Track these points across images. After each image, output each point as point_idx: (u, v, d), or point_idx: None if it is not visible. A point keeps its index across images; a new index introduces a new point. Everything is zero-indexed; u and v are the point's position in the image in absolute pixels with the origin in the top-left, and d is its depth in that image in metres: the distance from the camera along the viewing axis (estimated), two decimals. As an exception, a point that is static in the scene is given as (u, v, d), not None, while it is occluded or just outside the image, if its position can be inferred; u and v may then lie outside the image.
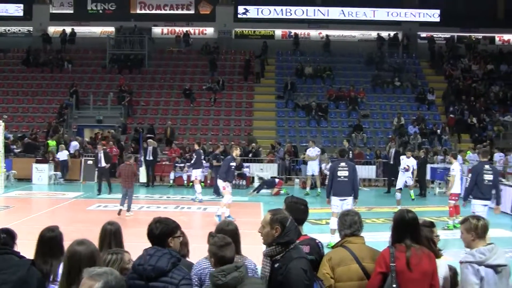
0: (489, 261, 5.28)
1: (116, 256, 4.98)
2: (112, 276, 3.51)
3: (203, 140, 31.01)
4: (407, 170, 20.20)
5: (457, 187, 16.65)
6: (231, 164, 17.12)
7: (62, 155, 27.00)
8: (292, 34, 41.66)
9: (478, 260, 5.29)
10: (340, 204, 13.50)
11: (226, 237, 4.93)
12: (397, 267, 5.03)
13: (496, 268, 5.28)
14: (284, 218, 5.01)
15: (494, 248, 5.39)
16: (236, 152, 17.76)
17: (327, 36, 40.55)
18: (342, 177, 13.57)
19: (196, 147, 23.27)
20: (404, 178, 20.38)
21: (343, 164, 13.82)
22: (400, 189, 19.95)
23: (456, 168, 16.73)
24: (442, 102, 36.05)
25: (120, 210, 17.79)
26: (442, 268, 5.43)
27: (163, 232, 4.88)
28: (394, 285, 4.98)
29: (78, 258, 4.27)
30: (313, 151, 24.78)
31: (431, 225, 5.69)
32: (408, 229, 5.22)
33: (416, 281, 5.03)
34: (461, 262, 5.44)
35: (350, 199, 13.59)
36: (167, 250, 4.73)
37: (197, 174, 22.01)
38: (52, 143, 29.21)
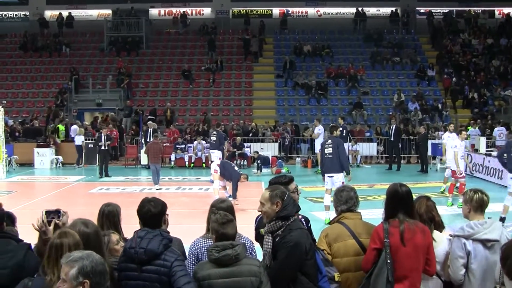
0: (477, 236, 5.25)
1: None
2: (87, 261, 3.52)
3: (203, 120, 31.03)
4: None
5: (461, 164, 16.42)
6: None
7: (78, 139, 26.99)
8: (290, 12, 41.46)
9: (466, 234, 5.28)
10: (330, 180, 13.63)
11: (228, 214, 4.90)
12: (391, 242, 5.04)
13: (485, 242, 5.24)
14: (282, 192, 5.09)
15: (487, 222, 5.34)
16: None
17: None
18: (328, 154, 13.63)
19: (221, 128, 23.07)
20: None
21: (329, 141, 13.87)
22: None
23: (458, 144, 16.45)
24: (436, 63, 36.48)
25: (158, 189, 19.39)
26: (443, 243, 5.45)
27: (160, 210, 4.87)
28: (388, 261, 5.00)
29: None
30: (316, 129, 24.90)
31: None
32: (401, 203, 5.21)
33: (410, 256, 5.04)
34: (450, 235, 5.46)
35: (339, 176, 13.60)
36: (158, 232, 4.71)
37: (218, 155, 20.49)
38: (61, 127, 29.43)
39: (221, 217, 4.79)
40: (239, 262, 4.54)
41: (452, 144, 16.68)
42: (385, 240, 5.06)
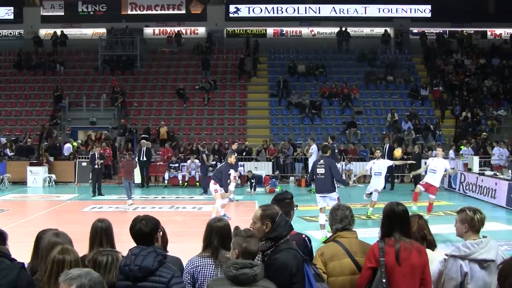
0: (474, 256, 5.15)
1: (112, 257, 4.94)
2: (86, 279, 3.50)
3: (197, 139, 31.04)
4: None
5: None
6: (228, 172, 17.72)
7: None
8: (284, 32, 41.72)
9: (462, 254, 5.18)
10: (322, 200, 13.77)
11: (251, 230, 4.82)
12: (387, 261, 5.02)
13: (481, 263, 5.14)
14: (274, 213, 5.03)
15: (483, 242, 5.24)
16: (231, 160, 17.87)
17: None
18: (320, 174, 13.74)
19: (234, 146, 23.36)
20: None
21: (321, 161, 13.95)
22: None
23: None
24: (425, 68, 37.33)
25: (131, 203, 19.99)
26: (435, 262, 5.41)
27: (152, 229, 4.87)
28: (383, 280, 4.98)
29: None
30: (310, 149, 25.03)
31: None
32: (398, 222, 5.18)
33: (405, 275, 5.01)
34: (446, 255, 5.40)
35: (332, 195, 13.73)
36: (152, 248, 4.71)
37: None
38: (74, 143, 29.74)
39: (245, 231, 4.70)
40: (255, 283, 4.37)
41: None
42: (381, 259, 5.03)
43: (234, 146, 23.41)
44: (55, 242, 4.77)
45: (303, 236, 5.74)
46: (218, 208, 16.75)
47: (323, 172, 13.66)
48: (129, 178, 20.81)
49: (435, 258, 5.42)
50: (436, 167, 17.05)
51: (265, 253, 4.95)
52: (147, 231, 4.82)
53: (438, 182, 17.21)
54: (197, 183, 23.98)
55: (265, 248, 4.95)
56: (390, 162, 18.62)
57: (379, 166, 18.04)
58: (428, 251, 5.40)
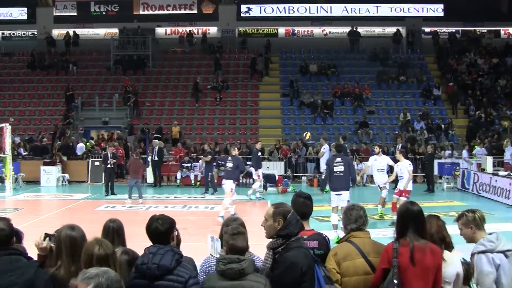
0: (500, 248, 5.28)
1: (131, 256, 5.04)
2: (103, 278, 3.51)
3: (209, 139, 31.07)
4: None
5: (411, 184, 16.54)
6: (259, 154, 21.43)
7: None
8: (296, 32, 41.70)
9: (490, 248, 5.28)
10: (336, 198, 13.83)
11: (239, 227, 4.92)
12: (400, 262, 5.00)
13: (506, 253, 5.28)
14: (286, 211, 5.07)
15: (498, 235, 5.42)
16: (235, 152, 18.57)
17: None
18: (338, 172, 13.81)
19: (259, 146, 23.68)
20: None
21: (339, 159, 14.02)
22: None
23: (410, 164, 16.64)
24: (437, 67, 37.29)
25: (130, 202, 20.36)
26: (456, 263, 5.41)
27: (168, 228, 4.90)
28: (395, 281, 4.97)
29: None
30: (322, 148, 25.10)
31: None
32: (413, 222, 5.16)
33: (419, 276, 5.00)
34: (472, 254, 5.42)
35: (345, 194, 13.85)
36: (169, 247, 4.73)
37: (259, 173, 22.36)
38: (87, 143, 29.97)
39: (232, 229, 4.84)
40: (244, 278, 4.52)
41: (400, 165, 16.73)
42: (393, 259, 5.02)
43: (258, 146, 23.56)
44: (71, 235, 4.89)
45: (324, 235, 5.75)
46: (227, 204, 16.87)
47: (342, 169, 13.77)
48: (136, 177, 21.09)
49: (453, 260, 5.41)
50: (402, 171, 16.80)
51: (275, 250, 4.98)
52: (163, 230, 4.85)
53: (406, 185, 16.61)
54: (209, 183, 23.97)
55: (276, 246, 4.98)
56: (391, 162, 18.42)
57: (381, 162, 18.07)
58: (447, 252, 5.40)
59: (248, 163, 25.95)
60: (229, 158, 18.43)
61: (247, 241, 4.86)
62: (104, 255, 4.40)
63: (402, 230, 5.19)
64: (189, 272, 4.67)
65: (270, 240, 5.07)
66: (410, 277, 4.99)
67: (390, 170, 18.86)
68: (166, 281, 4.56)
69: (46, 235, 5.12)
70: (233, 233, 4.77)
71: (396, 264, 5.00)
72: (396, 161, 17.63)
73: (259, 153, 23.05)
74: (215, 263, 5.41)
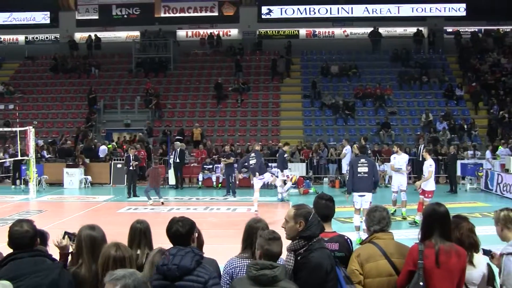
0: None
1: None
2: (130, 280, 3.54)
3: (231, 141, 31.12)
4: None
5: (432, 184, 16.38)
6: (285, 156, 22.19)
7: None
8: (317, 33, 41.61)
9: None
10: (360, 200, 13.78)
11: (275, 232, 4.86)
12: (425, 264, 4.96)
13: None
14: (307, 212, 5.06)
15: None
16: (258, 147, 20.32)
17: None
18: (362, 173, 13.75)
19: (286, 148, 23.79)
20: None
21: (362, 160, 13.98)
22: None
23: (432, 164, 16.45)
24: (460, 67, 37.09)
25: (151, 203, 20.52)
26: (482, 264, 5.38)
27: (189, 230, 4.91)
28: (421, 283, 4.93)
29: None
30: (344, 149, 25.10)
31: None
32: (438, 223, 5.11)
33: (444, 279, 4.97)
34: (501, 254, 5.37)
35: (369, 195, 13.79)
36: (190, 249, 4.75)
37: (287, 173, 22.52)
38: (110, 146, 30.19)
39: (269, 233, 4.79)
40: (276, 284, 4.45)
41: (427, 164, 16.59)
42: (419, 261, 4.98)
43: (286, 148, 23.76)
44: (91, 234, 5.06)
45: (346, 237, 5.73)
46: (257, 198, 18.05)
47: (367, 170, 13.73)
48: (155, 185, 20.90)
49: (481, 262, 5.37)
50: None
51: (297, 252, 4.96)
52: (184, 232, 4.86)
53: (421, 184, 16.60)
54: (230, 185, 24.05)
55: (298, 247, 4.97)
56: (406, 158, 18.48)
57: (399, 161, 18.14)
58: (475, 256, 5.38)
59: (270, 164, 26.04)
60: (252, 155, 18.77)
61: (282, 246, 4.79)
62: (121, 257, 4.45)
63: (428, 231, 5.14)
64: (209, 273, 4.68)
65: (291, 242, 5.05)
66: (435, 279, 4.96)
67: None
68: (186, 282, 4.58)
69: (66, 233, 5.32)
70: (269, 238, 4.71)
71: (421, 266, 4.96)
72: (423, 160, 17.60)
73: (286, 155, 23.10)
74: (238, 264, 5.43)
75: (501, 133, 31.13)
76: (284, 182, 22.32)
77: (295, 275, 4.91)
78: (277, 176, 21.59)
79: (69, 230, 5.38)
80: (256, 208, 17.98)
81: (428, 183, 16.21)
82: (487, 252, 5.50)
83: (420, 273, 4.95)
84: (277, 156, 24.11)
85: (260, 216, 14.61)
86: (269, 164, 27.15)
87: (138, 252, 5.68)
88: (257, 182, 18.65)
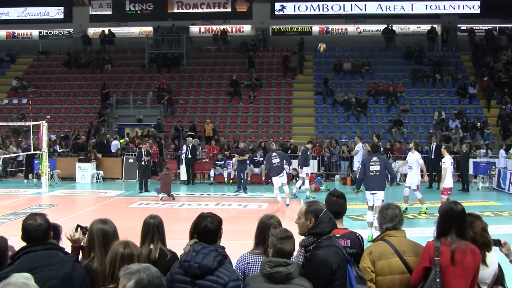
0: None
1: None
2: (145, 274, 3.54)
3: (243, 137, 31.13)
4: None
5: (449, 181, 16.36)
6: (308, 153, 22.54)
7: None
8: (330, 29, 41.52)
9: None
10: (372, 197, 13.86)
11: (287, 230, 4.85)
12: (441, 261, 4.97)
13: None
14: (318, 209, 5.07)
15: None
16: (273, 146, 21.51)
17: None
18: (374, 171, 13.84)
19: (309, 146, 23.75)
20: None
21: (374, 158, 14.09)
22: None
23: (447, 161, 16.40)
24: (473, 65, 37.15)
25: (162, 197, 20.89)
26: (495, 264, 5.38)
27: (217, 226, 4.89)
28: (438, 280, 4.93)
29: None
30: (356, 147, 25.07)
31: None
32: (455, 222, 5.12)
33: (459, 277, 4.97)
34: None
35: (381, 193, 13.86)
36: (214, 247, 4.71)
37: (307, 171, 22.47)
38: (121, 141, 30.33)
39: (280, 232, 4.78)
40: (290, 281, 4.48)
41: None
42: (435, 258, 4.99)
43: (309, 145, 23.62)
44: (103, 228, 5.12)
45: (357, 234, 5.74)
46: (279, 193, 19.22)
47: (378, 169, 13.83)
48: (166, 191, 20.97)
49: (493, 261, 5.36)
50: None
51: (307, 248, 4.99)
52: (213, 228, 4.84)
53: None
54: (241, 180, 24.07)
55: (308, 244, 4.99)
56: (420, 160, 18.56)
57: (411, 160, 18.49)
58: (488, 256, 5.36)
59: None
60: (273, 154, 18.99)
61: (294, 244, 4.80)
62: (129, 255, 4.47)
63: (444, 229, 5.15)
64: (230, 274, 4.64)
65: (302, 237, 5.07)
66: (450, 276, 4.97)
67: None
68: (207, 282, 4.56)
69: (78, 226, 5.39)
70: (281, 237, 4.70)
71: (438, 262, 4.97)
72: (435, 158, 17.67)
73: (308, 152, 23.04)
74: (251, 260, 5.44)
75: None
76: (296, 179, 22.50)
77: (303, 271, 4.94)
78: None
79: (82, 224, 5.43)
80: (284, 199, 19.15)
81: (445, 180, 16.22)
82: (496, 242, 5.49)
83: (437, 269, 4.96)
84: (299, 153, 24.15)
85: (272, 212, 14.64)
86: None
87: (151, 246, 5.70)
88: (277, 181, 19.16)
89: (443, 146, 17.71)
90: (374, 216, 13.11)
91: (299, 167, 22.82)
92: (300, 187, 22.74)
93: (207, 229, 4.82)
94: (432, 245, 5.10)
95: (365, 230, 13.38)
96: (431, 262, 5.01)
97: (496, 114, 33.30)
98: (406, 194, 18.25)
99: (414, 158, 18.34)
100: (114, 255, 4.53)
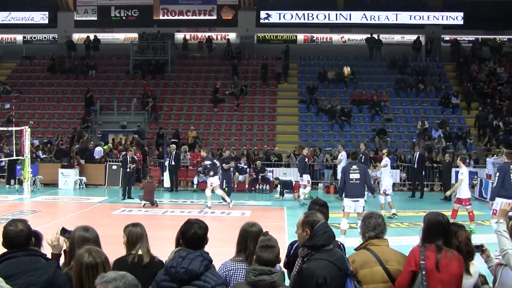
0: None
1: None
2: (121, 282, 3.54)
3: (227, 144, 31.08)
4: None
5: (466, 192, 16.53)
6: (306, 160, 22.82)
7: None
8: (315, 38, 41.68)
9: None
10: (353, 205, 14.08)
11: (271, 239, 4.85)
12: (427, 265, 5.05)
13: None
14: (315, 221, 5.08)
15: None
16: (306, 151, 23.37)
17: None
18: (354, 179, 14.07)
19: (305, 151, 23.91)
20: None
21: (354, 167, 14.35)
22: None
23: (464, 172, 16.60)
24: (455, 68, 37.82)
25: (144, 204, 20.78)
26: (477, 274, 5.47)
27: (205, 232, 4.90)
28: (424, 283, 4.99)
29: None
30: (340, 155, 25.21)
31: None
32: (443, 232, 5.23)
33: (444, 282, 5.03)
34: (499, 264, 5.50)
35: (362, 201, 14.19)
36: (199, 253, 4.73)
37: (307, 178, 22.65)
38: (105, 147, 30.11)
39: (264, 240, 4.80)
40: None
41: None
42: (421, 262, 5.07)
43: (305, 151, 23.91)
44: (84, 236, 5.10)
45: (339, 243, 5.75)
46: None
47: (358, 177, 14.06)
48: (148, 199, 20.84)
49: (476, 271, 5.43)
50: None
51: (303, 259, 5.00)
52: (202, 234, 4.86)
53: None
54: (225, 188, 23.96)
55: (303, 255, 5.00)
56: (386, 162, 19.76)
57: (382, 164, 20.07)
58: (472, 265, 5.44)
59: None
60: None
61: (277, 254, 4.78)
62: (93, 264, 4.29)
63: (429, 237, 5.24)
64: (216, 279, 4.67)
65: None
66: (435, 282, 5.03)
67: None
68: (193, 286, 4.57)
69: (63, 229, 5.40)
70: (261, 246, 4.74)
71: (424, 266, 5.04)
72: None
73: (306, 159, 23.13)
74: (233, 267, 5.44)
75: (495, 142, 31.15)
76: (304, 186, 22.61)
77: (291, 282, 4.96)
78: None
79: (67, 227, 5.43)
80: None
81: (462, 191, 16.46)
82: (478, 247, 5.57)
83: (423, 273, 5.03)
84: (297, 161, 24.45)
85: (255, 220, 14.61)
86: (266, 169, 27.21)
87: (140, 252, 5.63)
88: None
89: (458, 158, 17.98)
90: (349, 224, 13.21)
91: (299, 175, 22.87)
92: (283, 195, 22.82)
93: (196, 236, 4.83)
94: (417, 249, 5.18)
95: (348, 239, 13.41)
96: (417, 266, 5.08)
97: (474, 116, 33.71)
98: (382, 202, 18.78)
99: (383, 163, 19.55)
100: (79, 266, 4.39)
